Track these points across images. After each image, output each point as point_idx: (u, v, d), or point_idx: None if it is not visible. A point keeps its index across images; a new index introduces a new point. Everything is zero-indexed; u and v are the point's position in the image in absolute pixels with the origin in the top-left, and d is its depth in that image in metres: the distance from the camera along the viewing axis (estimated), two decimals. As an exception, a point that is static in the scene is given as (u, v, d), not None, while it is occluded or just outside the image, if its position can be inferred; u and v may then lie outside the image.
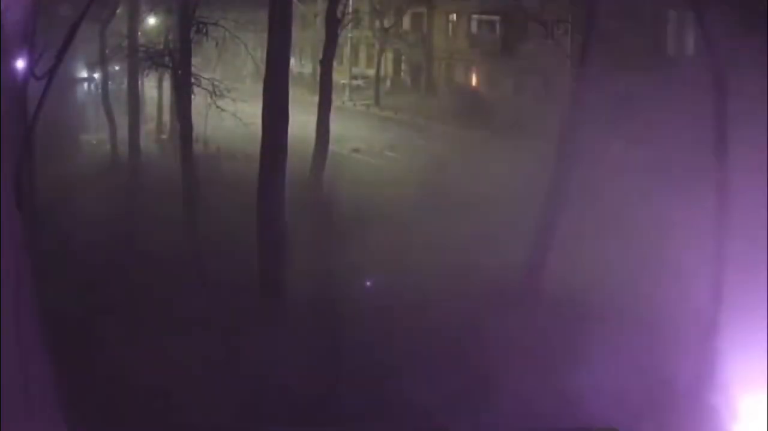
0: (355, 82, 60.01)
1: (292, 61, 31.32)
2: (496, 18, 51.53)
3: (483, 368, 16.26)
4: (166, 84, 41.37)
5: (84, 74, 41.66)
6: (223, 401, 14.94)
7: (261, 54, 54.84)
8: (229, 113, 26.36)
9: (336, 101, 33.01)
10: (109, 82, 37.76)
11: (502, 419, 14.47)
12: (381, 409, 14.78)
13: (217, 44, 43.45)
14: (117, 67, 40.46)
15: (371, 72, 59.53)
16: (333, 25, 29.31)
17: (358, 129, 43.71)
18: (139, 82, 36.55)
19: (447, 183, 32.65)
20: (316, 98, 30.26)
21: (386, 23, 56.45)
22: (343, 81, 54.86)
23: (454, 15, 56.81)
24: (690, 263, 18.39)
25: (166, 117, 42.63)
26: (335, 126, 30.58)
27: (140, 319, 18.15)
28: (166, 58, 27.93)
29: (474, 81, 54.91)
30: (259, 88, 18.45)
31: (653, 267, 21.13)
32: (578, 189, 21.46)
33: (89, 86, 46.33)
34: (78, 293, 19.28)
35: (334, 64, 30.63)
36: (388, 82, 60.27)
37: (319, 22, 51.58)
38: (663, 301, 18.29)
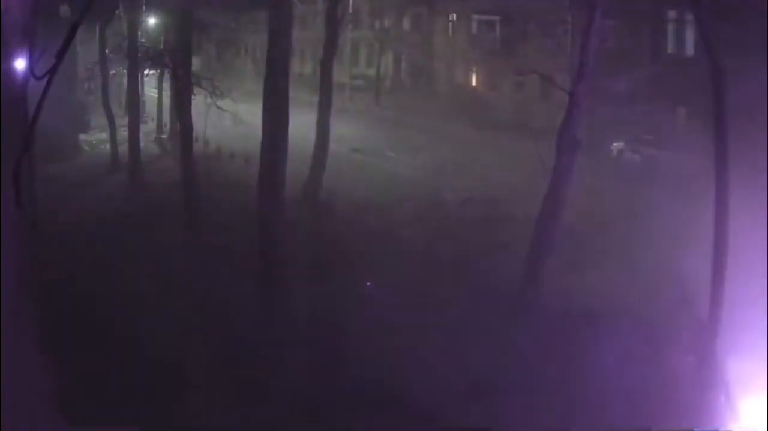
0: (355, 82, 60.10)
1: (292, 61, 31.34)
2: (496, 18, 51.56)
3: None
4: (166, 84, 41.48)
5: (84, 74, 41.71)
6: (222, 402, 14.93)
7: (261, 54, 54.99)
8: (229, 113, 26.34)
9: (336, 101, 33.02)
10: (109, 82, 37.81)
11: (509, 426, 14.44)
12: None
13: (217, 44, 43.68)
14: (117, 67, 40.56)
15: (371, 72, 59.65)
16: (333, 25, 29.31)
17: (358, 129, 43.74)
18: (139, 82, 36.59)
19: (446, 182, 32.70)
20: (316, 98, 30.26)
21: (386, 23, 56.56)
22: (343, 81, 54.96)
23: (454, 15, 56.87)
24: (689, 263, 18.39)
25: (166, 117, 42.73)
26: (335, 126, 30.59)
27: (138, 320, 18.12)
28: (166, 58, 27.92)
29: (474, 81, 54.97)
30: (259, 88, 18.42)
31: (652, 267, 21.13)
32: (577, 191, 21.42)
33: (89, 86, 46.42)
34: (77, 292, 19.26)
35: (334, 64, 30.61)
36: (388, 82, 60.35)
37: (319, 22, 51.77)
38: (662, 302, 18.30)
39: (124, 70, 37.01)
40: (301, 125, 25.15)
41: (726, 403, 13.54)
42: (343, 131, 37.78)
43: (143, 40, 37.50)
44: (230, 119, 27.10)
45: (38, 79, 4.08)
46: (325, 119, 29.34)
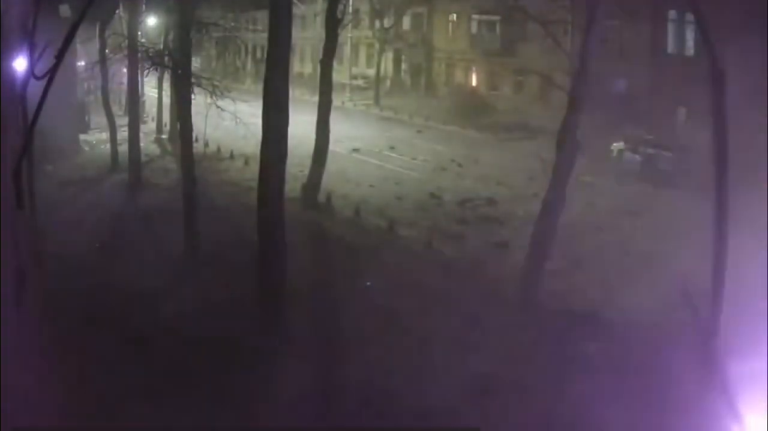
0: (355, 82, 60.11)
1: (292, 61, 31.31)
2: (496, 18, 51.58)
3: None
4: (166, 84, 41.47)
5: (84, 74, 41.73)
6: (223, 405, 14.92)
7: (261, 54, 54.59)
8: (229, 113, 26.29)
9: (336, 101, 33.00)
10: (109, 83, 37.80)
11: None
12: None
13: (216, 44, 43.61)
14: (117, 67, 40.56)
15: (371, 72, 59.64)
16: (333, 25, 29.27)
17: (358, 129, 43.75)
18: (139, 82, 36.57)
19: (446, 182, 32.72)
20: (316, 98, 30.26)
21: (386, 23, 56.52)
22: (343, 81, 54.95)
23: (454, 15, 56.89)
24: (690, 264, 18.39)
25: (166, 117, 42.73)
26: (335, 126, 30.59)
27: (137, 320, 18.11)
28: (166, 58, 27.88)
29: (474, 81, 54.98)
30: (259, 88, 18.40)
31: (652, 268, 21.12)
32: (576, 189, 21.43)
33: (89, 86, 46.41)
34: (76, 294, 19.27)
35: (334, 64, 30.59)
36: (388, 82, 60.35)
37: (319, 22, 51.75)
38: (663, 302, 18.29)
39: (125, 70, 37.00)
40: (301, 124, 25.11)
41: (727, 404, 13.53)
42: (343, 131, 37.78)
43: (143, 40, 37.47)
44: (230, 118, 27.03)
45: (38, 79, 4.08)
46: (325, 119, 29.31)
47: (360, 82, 60.74)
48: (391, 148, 39.92)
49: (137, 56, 31.31)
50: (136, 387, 14.88)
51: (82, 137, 40.03)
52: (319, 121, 29.33)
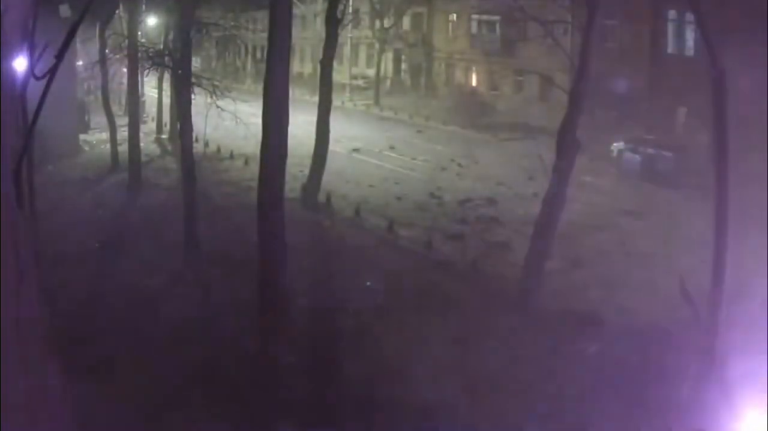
0: (355, 82, 60.10)
1: (292, 61, 31.29)
2: (496, 18, 51.57)
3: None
4: (166, 84, 41.48)
5: (84, 74, 41.73)
6: (223, 406, 14.94)
7: (261, 54, 54.53)
8: (229, 113, 26.30)
9: (336, 101, 32.98)
10: (109, 83, 37.81)
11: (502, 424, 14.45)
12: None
13: (217, 44, 43.61)
14: (117, 67, 40.57)
15: (371, 72, 59.62)
16: (333, 25, 29.27)
17: (358, 129, 43.75)
18: (139, 82, 36.58)
19: (446, 182, 32.72)
20: (316, 98, 30.26)
21: (386, 23, 56.51)
22: (343, 81, 54.93)
23: (454, 15, 56.86)
24: (689, 263, 18.38)
25: (166, 117, 42.75)
26: (335, 126, 30.59)
27: (136, 321, 18.12)
28: (166, 58, 27.89)
29: (474, 81, 54.96)
30: (259, 88, 18.41)
31: (652, 267, 21.13)
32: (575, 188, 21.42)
33: (89, 86, 46.41)
34: (76, 294, 19.29)
35: (334, 64, 30.59)
36: (388, 82, 60.33)
37: (319, 22, 51.74)
38: (662, 302, 18.29)
39: (125, 70, 37.01)
40: (301, 124, 25.14)
41: (727, 404, 13.53)
42: (343, 131, 37.78)
43: (143, 40, 37.48)
44: (230, 118, 27.05)
45: (38, 79, 4.08)
46: (325, 119, 29.32)
47: (360, 82, 60.72)
48: (391, 148, 39.91)
49: (137, 56, 31.32)
50: (132, 389, 14.89)
51: (82, 137, 40.04)
52: (319, 121, 29.34)
